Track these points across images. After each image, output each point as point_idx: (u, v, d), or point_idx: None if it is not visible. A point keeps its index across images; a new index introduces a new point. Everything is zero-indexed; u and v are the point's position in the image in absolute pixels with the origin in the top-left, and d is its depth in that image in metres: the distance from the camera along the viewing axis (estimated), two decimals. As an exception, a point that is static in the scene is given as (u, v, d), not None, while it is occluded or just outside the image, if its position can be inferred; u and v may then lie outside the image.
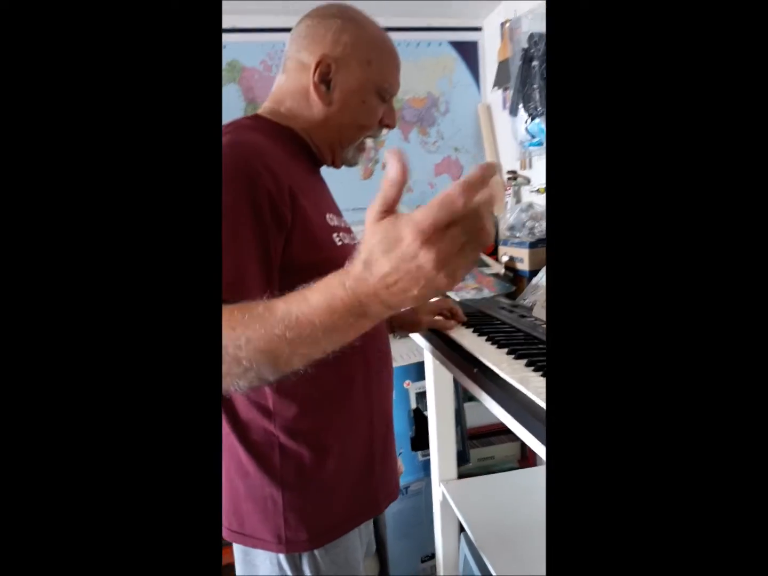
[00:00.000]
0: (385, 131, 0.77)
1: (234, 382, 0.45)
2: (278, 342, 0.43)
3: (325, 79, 0.68)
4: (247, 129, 0.66)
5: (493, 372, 0.70)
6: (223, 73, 1.58)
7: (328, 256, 0.65)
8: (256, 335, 0.43)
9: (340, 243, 0.68)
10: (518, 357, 0.72)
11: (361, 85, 0.69)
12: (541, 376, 0.66)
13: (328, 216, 0.70)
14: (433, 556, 1.50)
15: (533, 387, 0.62)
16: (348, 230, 0.75)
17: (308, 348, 0.44)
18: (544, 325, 0.89)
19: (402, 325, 0.89)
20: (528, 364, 0.69)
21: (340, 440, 0.68)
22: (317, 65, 0.68)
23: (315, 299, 0.42)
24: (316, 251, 0.63)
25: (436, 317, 0.91)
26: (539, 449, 0.60)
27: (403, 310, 0.89)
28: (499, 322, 0.95)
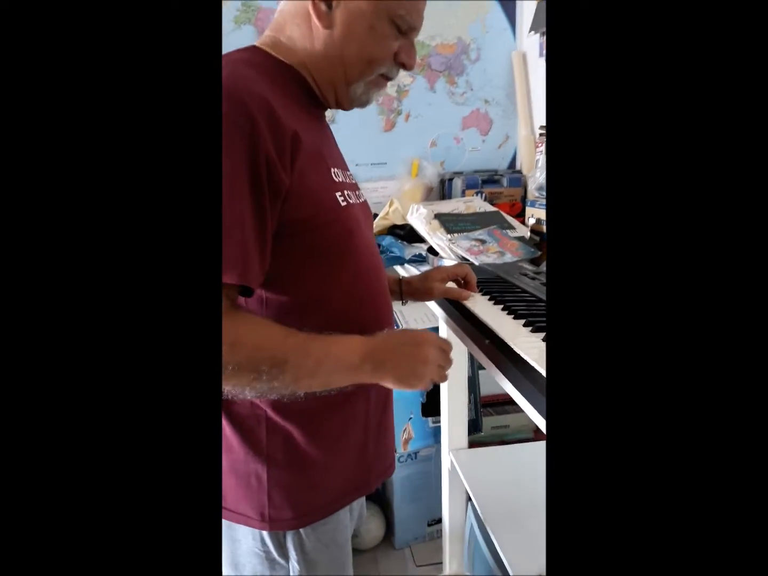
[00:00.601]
0: (403, 73, 0.68)
1: (246, 386, 0.51)
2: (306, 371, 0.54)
3: None
4: (243, 65, 0.57)
5: (507, 345, 0.64)
6: (239, 14, 1.47)
7: (330, 217, 0.59)
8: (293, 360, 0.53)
9: (344, 203, 0.61)
10: (536, 330, 0.66)
11: (370, 7, 0.59)
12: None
13: (333, 171, 0.62)
14: (439, 520, 1.49)
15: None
16: (354, 186, 0.67)
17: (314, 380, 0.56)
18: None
19: (412, 293, 0.82)
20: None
21: (333, 416, 0.64)
22: None
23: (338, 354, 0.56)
24: (316, 212, 0.57)
25: (449, 284, 0.84)
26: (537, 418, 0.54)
27: (413, 276, 0.84)
28: (519, 289, 0.88)
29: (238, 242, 0.50)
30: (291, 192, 0.54)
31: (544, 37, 1.47)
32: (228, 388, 0.51)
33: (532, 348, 0.60)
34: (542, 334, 0.64)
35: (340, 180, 0.63)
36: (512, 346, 0.62)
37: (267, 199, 0.52)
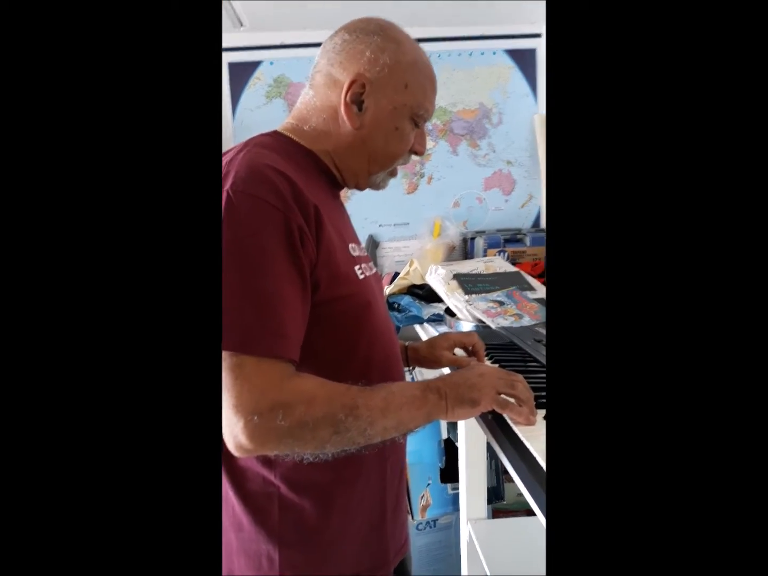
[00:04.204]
0: (415, 157, 0.73)
1: (326, 443, 0.52)
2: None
3: (357, 99, 0.63)
4: (265, 148, 0.61)
5: (503, 419, 0.62)
6: (270, 88, 1.59)
7: (351, 291, 0.61)
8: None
9: (362, 276, 0.64)
10: (537, 406, 0.64)
11: (396, 110, 0.64)
12: (558, 432, 0.57)
13: (350, 246, 0.65)
14: (461, 596, 1.40)
15: (542, 446, 0.54)
16: (367, 259, 0.70)
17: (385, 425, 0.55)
18: (580, 365, 0.79)
19: (419, 360, 0.82)
20: (547, 417, 0.61)
21: (349, 493, 0.63)
22: (351, 84, 0.62)
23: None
24: (340, 287, 0.59)
25: (457, 351, 0.84)
26: (533, 505, 0.51)
27: (420, 343, 0.84)
28: (530, 358, 0.86)
29: (290, 316, 0.53)
30: (317, 264, 0.56)
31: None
32: (311, 448, 0.52)
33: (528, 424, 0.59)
34: (544, 411, 0.62)
35: (357, 254, 0.66)
36: (512, 427, 0.61)
37: (306, 269, 0.55)
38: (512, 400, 0.60)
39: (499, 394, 0.60)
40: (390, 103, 0.63)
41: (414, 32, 0.68)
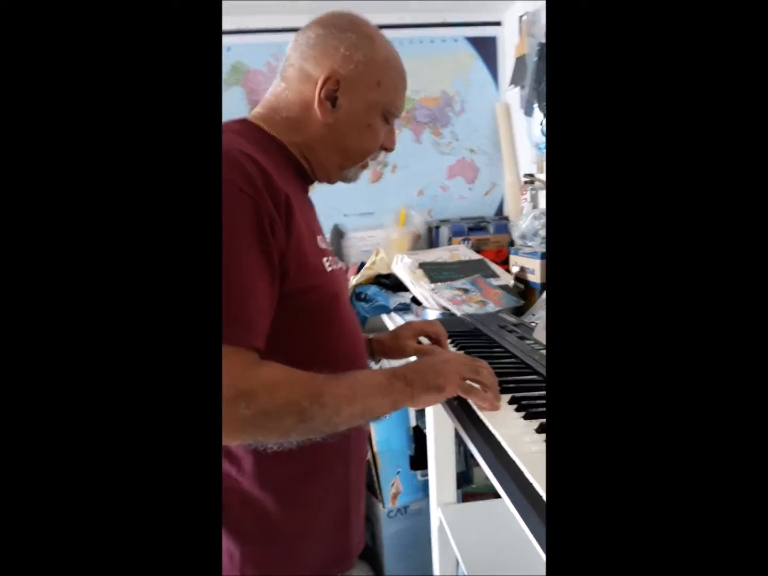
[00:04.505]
0: (383, 153, 0.73)
1: (291, 430, 0.51)
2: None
3: (331, 96, 0.62)
4: (236, 134, 0.60)
5: (469, 405, 0.63)
6: (227, 76, 1.54)
7: (320, 282, 0.61)
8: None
9: (330, 269, 0.64)
10: (502, 390, 0.65)
11: (369, 107, 0.64)
12: (523, 418, 0.58)
13: (318, 238, 0.65)
14: (433, 579, 1.43)
15: (506, 431, 0.54)
16: (332, 253, 0.70)
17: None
18: (544, 351, 0.81)
19: (384, 351, 0.82)
20: (511, 401, 0.62)
21: (313, 488, 0.62)
22: (325, 81, 0.62)
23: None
24: (309, 277, 0.59)
25: (422, 340, 0.84)
26: (500, 490, 0.52)
27: (383, 334, 0.84)
28: (495, 344, 0.87)
29: (257, 304, 0.52)
30: (286, 253, 0.56)
31: (524, 90, 1.51)
32: (275, 437, 0.52)
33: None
34: (507, 396, 0.63)
35: (324, 247, 0.66)
36: (472, 406, 0.62)
37: (275, 257, 0.54)
38: (477, 385, 0.61)
39: (464, 379, 0.60)
40: (363, 101, 0.64)
41: (376, 18, 0.67)
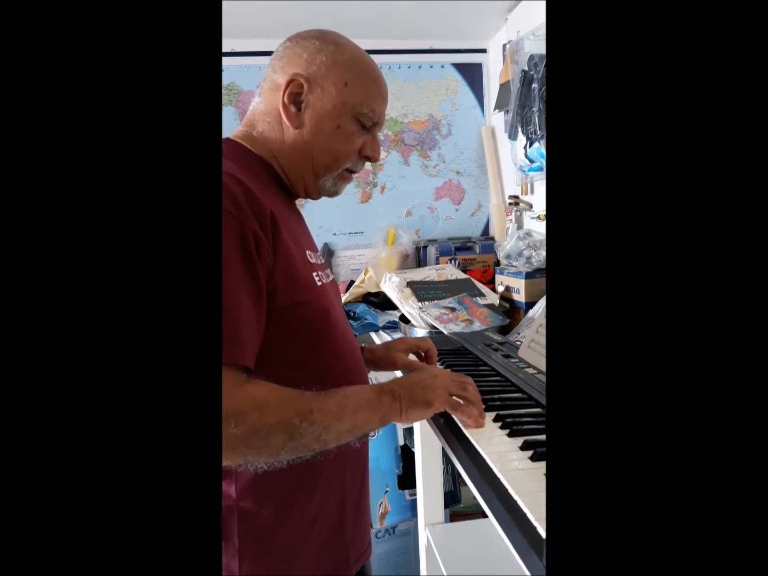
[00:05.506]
0: (368, 164, 0.73)
1: (281, 450, 0.51)
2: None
3: (296, 100, 0.63)
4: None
5: (456, 424, 0.64)
6: (219, 96, 1.57)
7: (310, 297, 0.61)
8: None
9: (320, 283, 0.64)
10: (487, 408, 0.66)
11: (336, 108, 0.63)
12: (508, 435, 0.59)
13: (308, 253, 0.65)
14: (421, 601, 1.41)
15: (491, 449, 0.55)
16: (324, 267, 0.70)
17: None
18: (528, 369, 0.82)
19: (375, 362, 0.83)
20: (496, 419, 0.63)
21: (308, 499, 0.62)
22: (288, 84, 0.63)
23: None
24: (298, 292, 0.59)
25: (412, 356, 0.85)
26: (486, 508, 0.53)
27: (376, 347, 0.85)
28: (481, 362, 0.89)
29: (244, 323, 0.52)
30: (274, 270, 0.56)
31: (509, 115, 1.56)
32: (265, 456, 0.51)
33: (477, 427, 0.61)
34: (492, 414, 0.64)
35: (314, 261, 0.66)
36: (459, 424, 0.63)
37: (262, 277, 0.54)
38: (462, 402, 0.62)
39: (452, 395, 0.61)
40: (329, 102, 0.63)
41: (366, 44, 0.69)
